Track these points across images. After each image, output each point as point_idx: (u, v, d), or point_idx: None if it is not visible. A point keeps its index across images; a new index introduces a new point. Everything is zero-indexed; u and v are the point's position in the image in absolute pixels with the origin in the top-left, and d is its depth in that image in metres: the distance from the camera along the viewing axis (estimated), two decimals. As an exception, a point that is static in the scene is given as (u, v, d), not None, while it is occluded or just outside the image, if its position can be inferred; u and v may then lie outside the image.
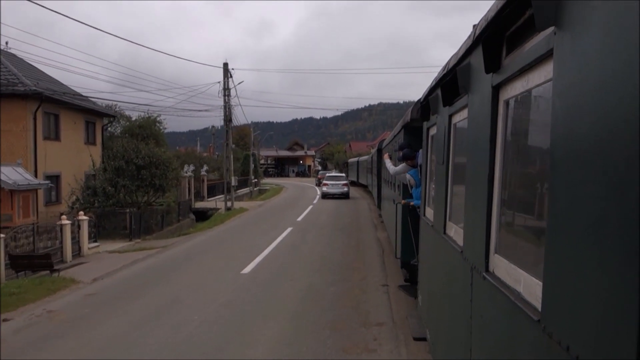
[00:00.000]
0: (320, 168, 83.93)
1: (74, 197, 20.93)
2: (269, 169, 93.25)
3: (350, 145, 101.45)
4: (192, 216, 26.92)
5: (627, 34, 1.23)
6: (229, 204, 28.79)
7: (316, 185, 49.33)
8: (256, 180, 49.73)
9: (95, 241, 16.94)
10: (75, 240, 15.72)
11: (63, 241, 15.25)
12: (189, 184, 30.94)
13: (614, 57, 1.31)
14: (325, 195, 33.31)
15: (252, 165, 48.55)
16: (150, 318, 7.83)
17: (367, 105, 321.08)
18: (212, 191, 34.98)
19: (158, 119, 36.42)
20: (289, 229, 18.00)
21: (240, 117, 77.71)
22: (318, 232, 17.44)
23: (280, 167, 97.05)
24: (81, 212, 16.89)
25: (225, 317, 7.74)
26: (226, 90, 29.34)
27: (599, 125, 1.38)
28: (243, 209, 28.03)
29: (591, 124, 1.42)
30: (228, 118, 29.61)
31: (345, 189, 33.36)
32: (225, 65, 29.53)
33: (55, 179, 21.65)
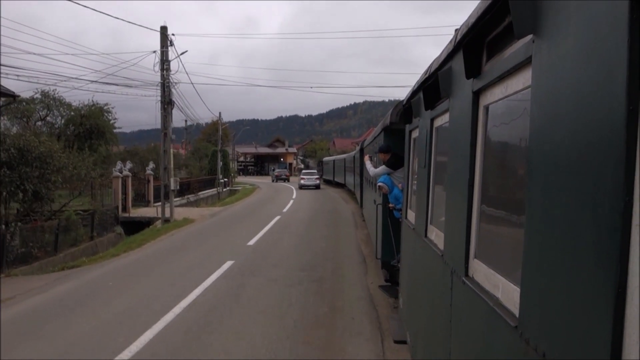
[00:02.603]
0: (302, 166, 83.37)
1: None
2: (248, 167, 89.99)
3: (334, 142, 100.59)
4: (119, 229, 20.56)
5: (603, 42, 1.25)
6: (167, 213, 21.61)
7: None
8: (225, 180, 43.98)
9: None
10: None
11: None
12: (124, 186, 24.59)
13: (590, 65, 1.32)
14: (302, 187, 42.56)
15: (220, 163, 43.55)
16: None
17: (352, 103, 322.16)
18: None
19: (105, 107, 31.64)
20: (228, 265, 11.07)
21: (201, 110, 74.16)
22: (270, 274, 10.32)
23: (260, 164, 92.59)
24: None
25: None
26: (164, 62, 21.91)
27: (576, 132, 1.39)
28: (187, 220, 20.96)
29: (568, 131, 1.44)
30: (167, 99, 21.77)
31: (317, 181, 43.94)
32: (163, 29, 21.99)
33: None
